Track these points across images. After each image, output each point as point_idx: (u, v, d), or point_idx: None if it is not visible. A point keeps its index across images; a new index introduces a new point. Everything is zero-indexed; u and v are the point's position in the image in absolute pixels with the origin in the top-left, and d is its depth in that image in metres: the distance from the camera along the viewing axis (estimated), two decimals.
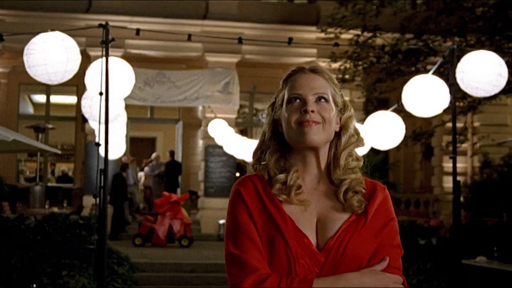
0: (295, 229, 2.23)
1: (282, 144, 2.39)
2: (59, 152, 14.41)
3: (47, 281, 10.42)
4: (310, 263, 2.20)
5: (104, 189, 6.76)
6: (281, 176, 2.31)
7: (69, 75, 6.45)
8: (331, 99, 2.36)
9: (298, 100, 2.33)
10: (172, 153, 22.00)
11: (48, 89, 21.71)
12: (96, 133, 8.01)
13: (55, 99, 23.20)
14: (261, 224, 2.24)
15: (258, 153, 2.42)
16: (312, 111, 2.29)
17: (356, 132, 2.43)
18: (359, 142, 2.43)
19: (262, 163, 2.38)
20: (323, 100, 2.34)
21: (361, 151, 2.56)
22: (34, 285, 6.08)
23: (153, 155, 23.29)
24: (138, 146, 25.93)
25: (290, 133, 2.32)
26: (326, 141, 2.34)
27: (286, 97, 2.37)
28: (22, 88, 22.56)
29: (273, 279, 2.14)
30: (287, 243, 2.20)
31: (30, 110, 25.18)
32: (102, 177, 6.85)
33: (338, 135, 2.38)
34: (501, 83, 7.13)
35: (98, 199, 7.20)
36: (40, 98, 24.00)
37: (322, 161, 2.37)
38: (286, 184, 2.29)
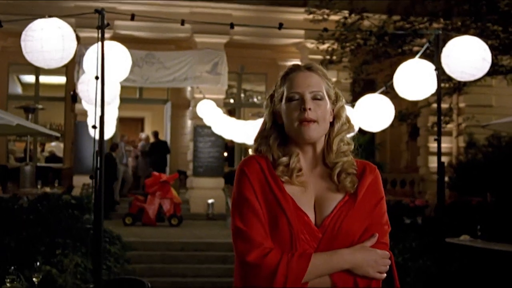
0: (296, 208, 2.50)
1: (281, 132, 2.65)
2: (59, 135, 14.55)
3: (41, 260, 10.61)
4: (309, 238, 2.48)
5: (100, 170, 6.95)
6: (284, 159, 2.58)
7: (65, 61, 6.64)
8: (325, 94, 2.63)
9: (297, 98, 2.59)
10: (156, 134, 22.17)
11: (37, 70, 21.76)
12: (93, 116, 8.19)
13: (44, 79, 23.22)
14: (264, 201, 2.51)
15: (260, 139, 2.68)
16: (310, 109, 2.55)
17: (348, 120, 2.71)
18: (350, 128, 2.71)
19: (265, 146, 2.64)
20: (318, 97, 2.60)
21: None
22: (37, 263, 6.27)
23: (143, 135, 23.47)
24: (127, 126, 26.02)
25: (291, 130, 2.60)
26: (322, 135, 2.63)
27: (285, 94, 2.63)
28: (11, 69, 22.62)
29: (275, 253, 2.41)
30: (289, 220, 2.47)
31: (19, 90, 25.21)
32: (98, 158, 7.04)
33: (331, 123, 2.65)
34: (485, 67, 7.38)
35: (93, 180, 7.39)
36: (29, 78, 24.03)
37: (318, 147, 2.64)
38: (288, 167, 2.56)
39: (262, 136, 2.68)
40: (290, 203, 2.50)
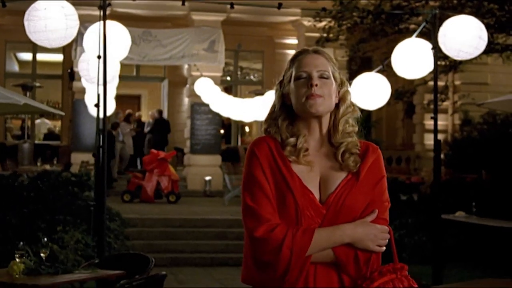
0: (302, 186, 2.66)
1: (290, 114, 2.80)
2: (63, 114, 14.58)
3: (42, 237, 10.73)
4: (314, 214, 2.64)
5: (103, 148, 7.08)
6: (292, 140, 2.73)
7: (68, 40, 6.75)
8: (331, 75, 2.78)
9: (304, 76, 2.74)
10: (160, 112, 22.27)
11: (34, 47, 21.74)
12: (91, 94, 8.30)
13: (41, 57, 23.23)
14: (273, 180, 2.67)
15: (269, 120, 2.84)
16: (316, 85, 2.71)
17: (352, 104, 2.87)
18: (355, 112, 2.87)
19: (274, 127, 2.79)
20: (325, 76, 2.76)
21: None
22: (45, 239, 6.42)
23: (149, 113, 23.59)
24: (124, 104, 26.04)
25: (299, 105, 2.74)
26: (328, 111, 2.77)
27: (294, 74, 2.78)
28: (8, 47, 22.64)
29: (281, 228, 2.58)
30: (295, 198, 2.63)
31: (16, 68, 25.24)
32: (101, 137, 7.16)
33: (337, 106, 2.81)
34: (481, 45, 7.50)
35: (96, 158, 7.51)
36: (26, 56, 24.05)
37: (324, 127, 2.79)
38: (296, 147, 2.72)
39: (271, 118, 2.83)
40: (296, 181, 2.66)
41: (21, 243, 6.18)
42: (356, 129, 2.83)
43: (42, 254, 6.19)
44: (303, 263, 2.56)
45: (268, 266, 2.57)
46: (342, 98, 2.82)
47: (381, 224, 2.68)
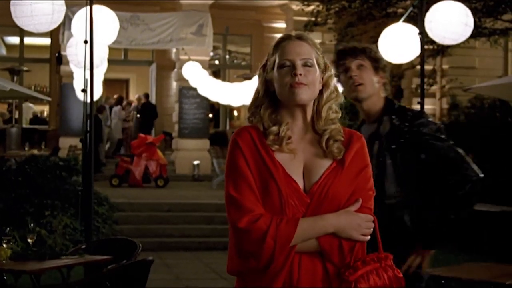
0: (285, 175, 2.65)
1: (273, 100, 2.77)
2: (50, 99, 14.54)
3: (30, 221, 10.74)
4: (298, 203, 2.63)
5: (90, 133, 7.08)
6: (274, 129, 2.71)
7: (54, 25, 6.73)
8: (315, 62, 2.75)
9: (288, 65, 2.71)
10: (146, 95, 22.23)
11: (21, 31, 21.52)
12: (79, 79, 8.29)
13: (28, 41, 23.09)
14: (256, 170, 2.65)
15: (253, 108, 2.81)
16: (300, 74, 2.68)
17: (336, 89, 2.84)
18: (338, 97, 2.83)
19: (257, 116, 2.77)
20: (308, 64, 2.72)
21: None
22: (32, 224, 6.44)
23: (136, 96, 23.54)
24: (111, 88, 25.99)
25: (283, 93, 2.72)
26: (312, 99, 2.75)
27: (277, 61, 2.74)
28: None
29: (265, 219, 2.58)
30: (278, 187, 2.62)
31: (3, 52, 25.11)
32: (88, 121, 7.16)
33: (320, 92, 2.78)
34: (467, 32, 7.55)
35: (83, 143, 7.52)
36: (14, 40, 23.90)
37: (308, 114, 2.77)
38: (278, 136, 2.70)
39: (255, 105, 2.80)
40: (280, 170, 2.65)
41: (8, 228, 6.18)
42: (339, 115, 2.80)
43: (29, 240, 6.19)
44: (287, 253, 2.56)
45: (252, 256, 2.57)
46: (326, 83, 2.79)
47: (366, 213, 2.67)
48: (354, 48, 4.08)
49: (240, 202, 2.61)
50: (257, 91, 2.83)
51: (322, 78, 2.78)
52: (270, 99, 2.78)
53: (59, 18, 6.71)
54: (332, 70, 2.85)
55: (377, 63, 4.08)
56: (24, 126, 21.92)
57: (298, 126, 2.76)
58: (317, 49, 2.79)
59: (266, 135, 2.71)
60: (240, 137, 2.71)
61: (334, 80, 2.84)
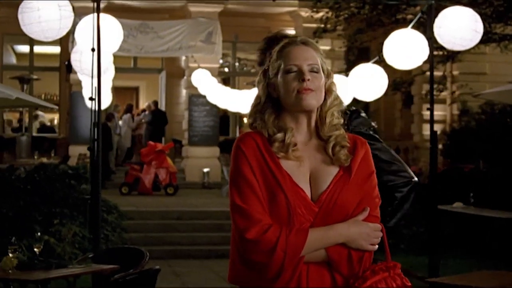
0: (292, 184, 2.59)
1: (276, 106, 2.71)
2: (56, 107, 14.59)
3: (39, 229, 10.73)
4: (306, 212, 2.58)
5: (98, 141, 7.05)
6: (279, 135, 2.64)
7: (63, 32, 6.70)
8: (320, 68, 2.70)
9: (295, 70, 2.65)
10: (155, 103, 22.22)
11: (31, 39, 21.54)
12: (88, 87, 8.26)
13: (38, 49, 23.14)
14: (261, 177, 2.59)
15: (255, 114, 2.74)
16: (308, 80, 2.63)
17: (338, 96, 2.78)
18: (340, 104, 2.78)
19: (260, 122, 2.70)
20: (315, 70, 2.67)
21: (344, 101, 2.93)
22: (39, 234, 6.42)
23: (145, 104, 23.51)
24: (121, 96, 26.04)
25: (289, 99, 2.65)
26: (318, 105, 2.69)
27: (282, 67, 2.68)
28: (5, 39, 22.57)
29: (274, 229, 2.51)
30: (286, 196, 2.56)
31: (13, 60, 25.18)
32: (96, 130, 7.13)
33: (324, 97, 2.72)
34: (476, 38, 7.48)
35: (91, 151, 7.49)
36: (24, 48, 23.96)
37: (312, 121, 2.71)
38: (284, 143, 2.63)
39: (256, 111, 2.73)
40: (286, 178, 2.59)
41: (14, 238, 6.15)
42: (342, 121, 2.75)
43: (35, 249, 6.16)
44: (296, 264, 2.51)
45: (260, 267, 2.52)
46: (329, 89, 2.73)
47: (373, 222, 2.63)
48: (288, 37, 3.90)
49: (247, 211, 2.55)
50: (258, 97, 2.76)
51: (325, 84, 2.73)
52: (272, 105, 2.72)
53: (67, 25, 6.68)
54: (334, 77, 2.80)
55: None
56: (34, 134, 21.94)
57: (303, 132, 2.71)
58: (321, 55, 2.75)
59: (270, 142, 2.65)
60: (244, 144, 2.65)
61: (336, 86, 2.79)
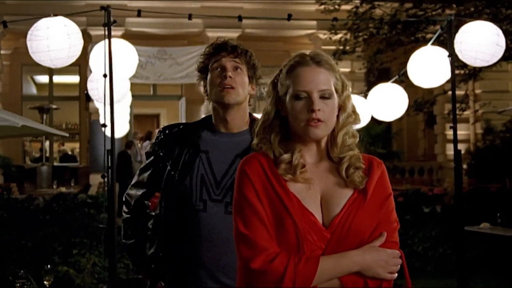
0: (301, 208, 2.36)
1: (284, 124, 2.51)
2: (67, 135, 14.52)
3: (58, 260, 10.61)
4: (317, 239, 2.35)
5: (112, 169, 6.90)
6: (286, 157, 2.44)
7: (71, 60, 6.57)
8: (333, 90, 2.47)
9: (304, 96, 2.43)
10: None
11: (50, 70, 21.79)
12: (102, 114, 8.13)
13: (57, 79, 23.27)
14: (267, 202, 2.37)
15: (262, 133, 2.53)
16: (319, 110, 2.41)
17: (353, 110, 2.55)
18: (356, 120, 2.55)
19: (266, 143, 2.50)
20: (326, 96, 2.44)
21: (362, 121, 2.69)
22: (49, 266, 6.23)
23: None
24: (142, 123, 26.05)
25: (297, 128, 2.44)
26: (328, 132, 2.48)
27: (291, 91, 2.46)
28: (24, 70, 22.65)
29: (282, 258, 2.29)
30: (294, 221, 2.34)
31: (34, 91, 25.27)
32: (109, 157, 6.98)
33: (336, 116, 2.50)
34: (499, 52, 7.24)
35: (106, 179, 7.34)
36: (43, 78, 24.05)
37: (322, 141, 2.51)
38: (291, 164, 2.42)
39: (264, 129, 2.53)
40: (295, 202, 2.38)
41: (22, 271, 5.96)
42: (357, 140, 2.53)
43: (45, 282, 5.96)
44: None
45: None
46: (342, 106, 2.51)
47: (391, 248, 2.39)
48: (234, 47, 3.62)
49: (252, 239, 2.33)
50: (266, 113, 2.55)
51: (339, 101, 2.50)
52: (280, 123, 2.51)
53: (76, 52, 6.55)
54: (350, 89, 2.55)
55: (254, 71, 3.65)
56: (55, 164, 21.94)
57: (312, 153, 2.50)
58: (335, 72, 2.51)
59: (276, 163, 2.44)
60: (248, 166, 2.44)
61: (351, 99, 2.55)
